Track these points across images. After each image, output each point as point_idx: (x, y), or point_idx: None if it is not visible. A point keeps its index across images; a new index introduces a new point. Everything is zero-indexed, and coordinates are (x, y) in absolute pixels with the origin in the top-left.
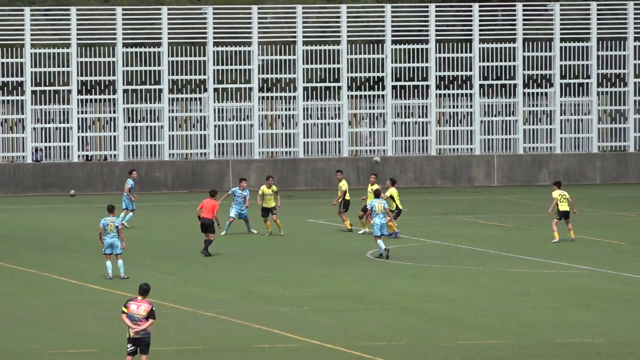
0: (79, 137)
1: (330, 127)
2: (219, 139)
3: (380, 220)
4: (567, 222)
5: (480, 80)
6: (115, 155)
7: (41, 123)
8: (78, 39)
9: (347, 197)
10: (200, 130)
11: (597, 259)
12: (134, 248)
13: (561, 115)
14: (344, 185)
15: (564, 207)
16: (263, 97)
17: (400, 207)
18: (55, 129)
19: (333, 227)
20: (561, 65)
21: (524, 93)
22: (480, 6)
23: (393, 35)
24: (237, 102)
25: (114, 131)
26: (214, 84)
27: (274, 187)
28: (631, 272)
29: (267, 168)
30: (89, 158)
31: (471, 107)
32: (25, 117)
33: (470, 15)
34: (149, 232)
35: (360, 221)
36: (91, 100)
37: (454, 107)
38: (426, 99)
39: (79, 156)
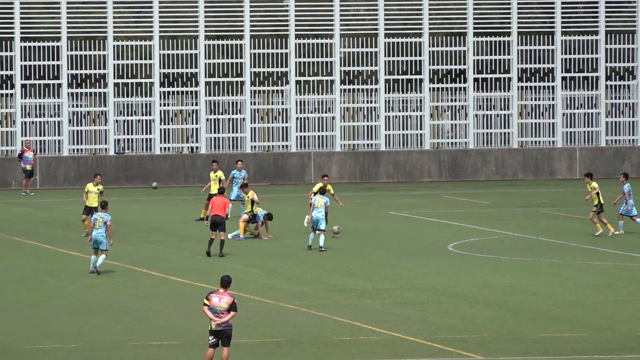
0: (161, 129)
1: (412, 120)
2: (300, 131)
3: (318, 214)
4: (600, 215)
5: (562, 72)
6: (197, 148)
7: (123, 115)
8: (160, 32)
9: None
10: (282, 122)
11: None
12: (216, 242)
13: None
14: (221, 175)
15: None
16: (345, 90)
17: (255, 211)
18: (137, 121)
19: (416, 220)
20: None
21: (606, 85)
22: None
23: (475, 28)
24: (318, 94)
25: (196, 123)
26: (296, 76)
27: None
28: None
29: (348, 160)
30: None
31: (553, 99)
32: (108, 110)
33: (553, 7)
34: (230, 224)
35: (240, 225)
36: (173, 92)
37: (536, 99)
38: (508, 91)
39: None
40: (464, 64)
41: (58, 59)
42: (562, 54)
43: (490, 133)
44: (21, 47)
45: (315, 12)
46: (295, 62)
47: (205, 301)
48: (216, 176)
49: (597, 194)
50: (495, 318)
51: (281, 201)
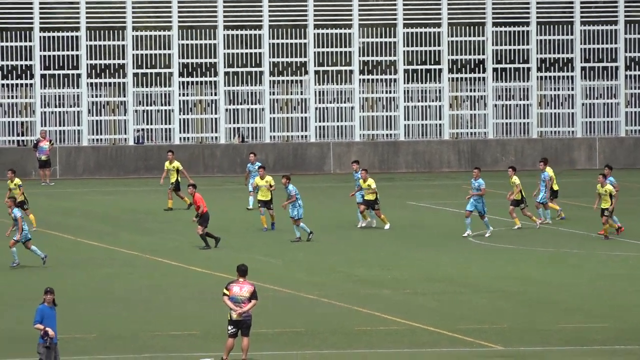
0: (180, 119)
1: (431, 110)
2: (319, 121)
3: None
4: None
5: (581, 62)
6: (216, 138)
7: (143, 105)
8: (179, 22)
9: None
10: (301, 112)
11: None
12: (235, 231)
13: None
14: (178, 165)
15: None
16: (364, 80)
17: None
18: (157, 111)
19: (435, 210)
20: None
21: (625, 75)
22: None
23: (494, 18)
24: (337, 84)
25: (215, 113)
26: (315, 66)
27: None
28: None
29: (367, 150)
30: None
31: (572, 89)
32: (127, 100)
33: None
34: (250, 214)
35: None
36: (192, 82)
37: (555, 89)
38: (527, 81)
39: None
40: (483, 53)
41: (77, 49)
42: (581, 43)
43: (510, 123)
44: (40, 37)
45: (334, 2)
46: (314, 52)
47: (225, 291)
48: (173, 167)
49: (520, 190)
50: (516, 308)
51: (300, 191)
